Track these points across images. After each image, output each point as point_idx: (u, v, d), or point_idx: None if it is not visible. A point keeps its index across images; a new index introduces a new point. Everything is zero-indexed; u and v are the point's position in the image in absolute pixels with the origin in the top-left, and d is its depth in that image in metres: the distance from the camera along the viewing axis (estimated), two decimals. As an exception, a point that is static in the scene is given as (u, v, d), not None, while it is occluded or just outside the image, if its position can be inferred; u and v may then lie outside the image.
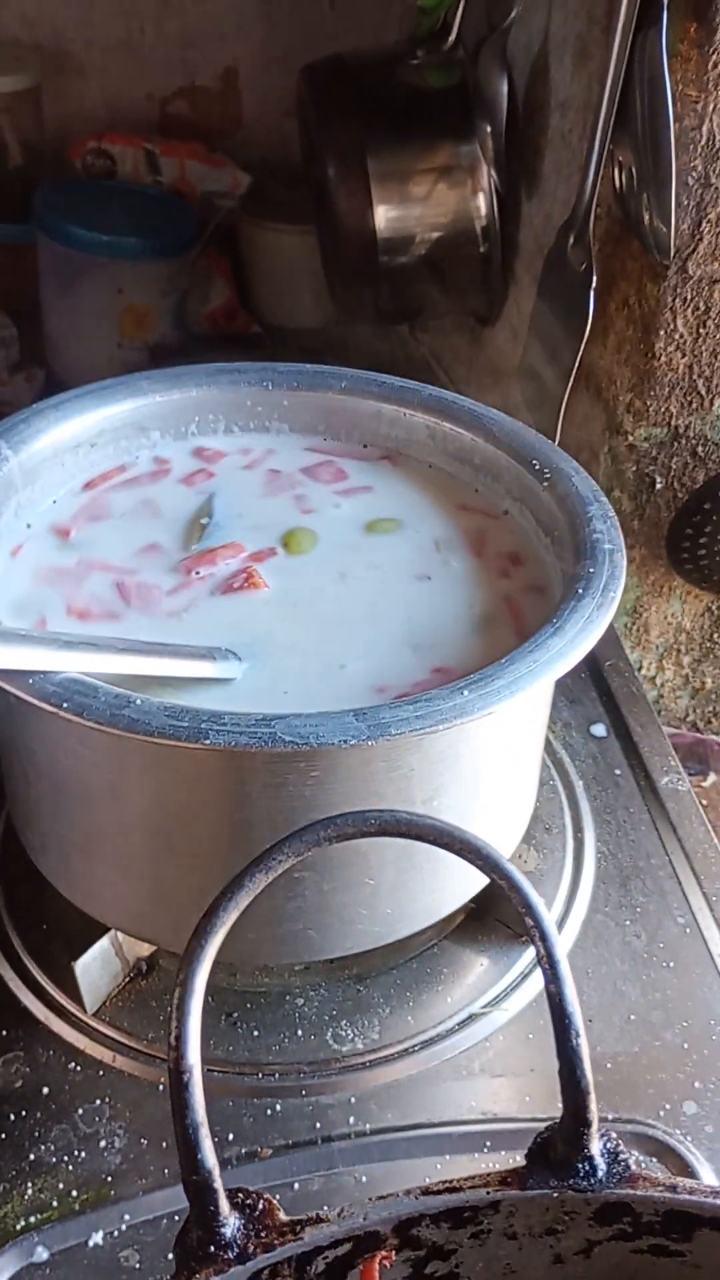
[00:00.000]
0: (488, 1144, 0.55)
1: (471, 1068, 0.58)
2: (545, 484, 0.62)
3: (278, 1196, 0.51)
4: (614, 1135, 0.37)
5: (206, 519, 0.63)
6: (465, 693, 0.48)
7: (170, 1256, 0.50)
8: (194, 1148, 0.35)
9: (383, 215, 1.01)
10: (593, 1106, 0.37)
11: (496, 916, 0.64)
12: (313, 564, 0.61)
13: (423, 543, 0.63)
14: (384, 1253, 0.36)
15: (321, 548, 0.62)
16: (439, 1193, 0.36)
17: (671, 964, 0.63)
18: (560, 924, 0.64)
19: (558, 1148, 0.37)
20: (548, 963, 0.38)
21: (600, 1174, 0.36)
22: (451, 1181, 0.36)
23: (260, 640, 0.56)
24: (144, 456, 0.67)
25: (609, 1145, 0.37)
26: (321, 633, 0.57)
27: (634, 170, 0.78)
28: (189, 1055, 0.36)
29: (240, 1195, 0.36)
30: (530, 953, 0.63)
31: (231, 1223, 0.35)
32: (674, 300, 0.78)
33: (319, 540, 0.62)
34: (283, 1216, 0.36)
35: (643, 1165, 0.53)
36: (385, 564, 0.61)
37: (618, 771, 0.74)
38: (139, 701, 0.47)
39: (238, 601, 0.58)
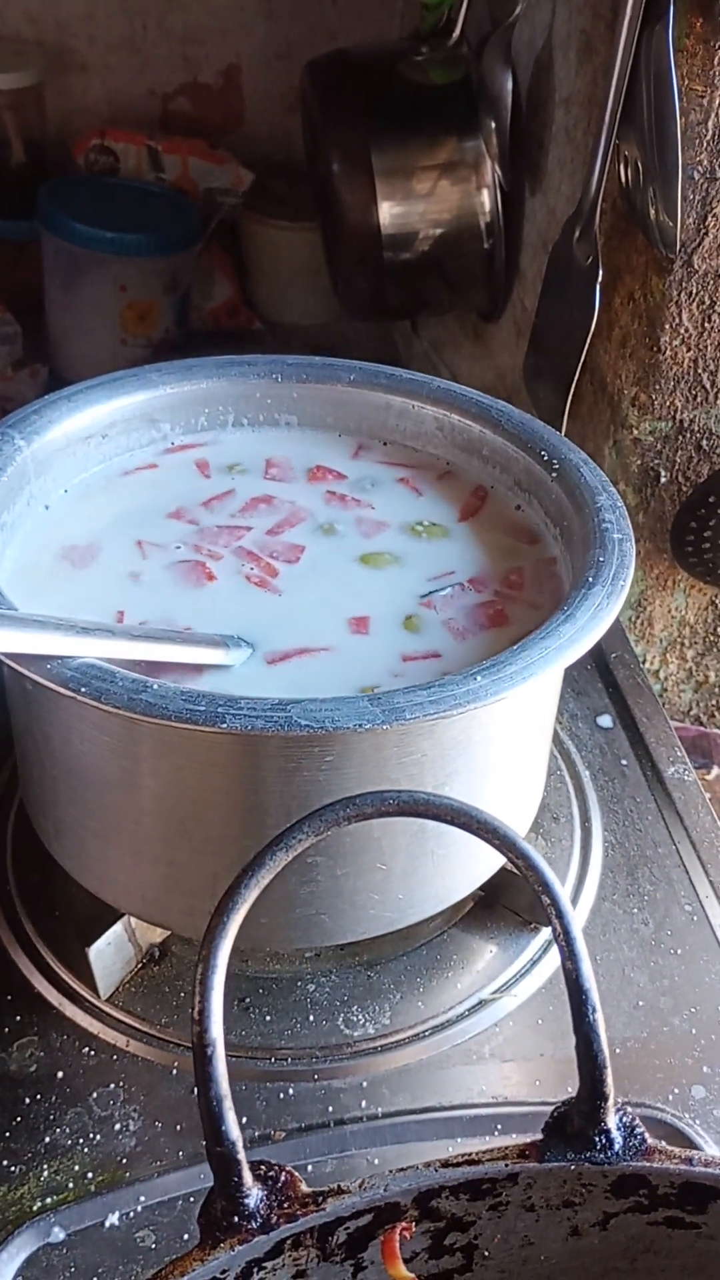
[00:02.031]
0: (498, 1127, 0.55)
1: (482, 1052, 0.58)
2: (554, 475, 0.62)
3: (292, 1178, 0.52)
4: (629, 1110, 0.38)
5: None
6: (478, 678, 0.49)
7: (186, 1236, 0.51)
8: (218, 1120, 0.36)
9: (387, 211, 1.01)
10: (609, 1080, 0.37)
11: (505, 904, 0.64)
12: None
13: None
14: (404, 1224, 0.37)
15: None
16: (458, 1165, 0.37)
17: (679, 951, 0.63)
18: (568, 911, 0.65)
19: (574, 1121, 0.37)
20: (564, 939, 0.38)
21: (617, 1147, 0.37)
22: (470, 1154, 0.37)
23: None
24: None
25: (625, 1119, 0.38)
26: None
27: (639, 164, 0.79)
28: (212, 1029, 0.36)
29: (263, 1167, 0.36)
30: (538, 939, 0.64)
31: (255, 1194, 0.35)
32: (679, 294, 0.79)
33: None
34: (305, 1188, 0.36)
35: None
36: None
37: (624, 762, 0.74)
38: (155, 686, 0.47)
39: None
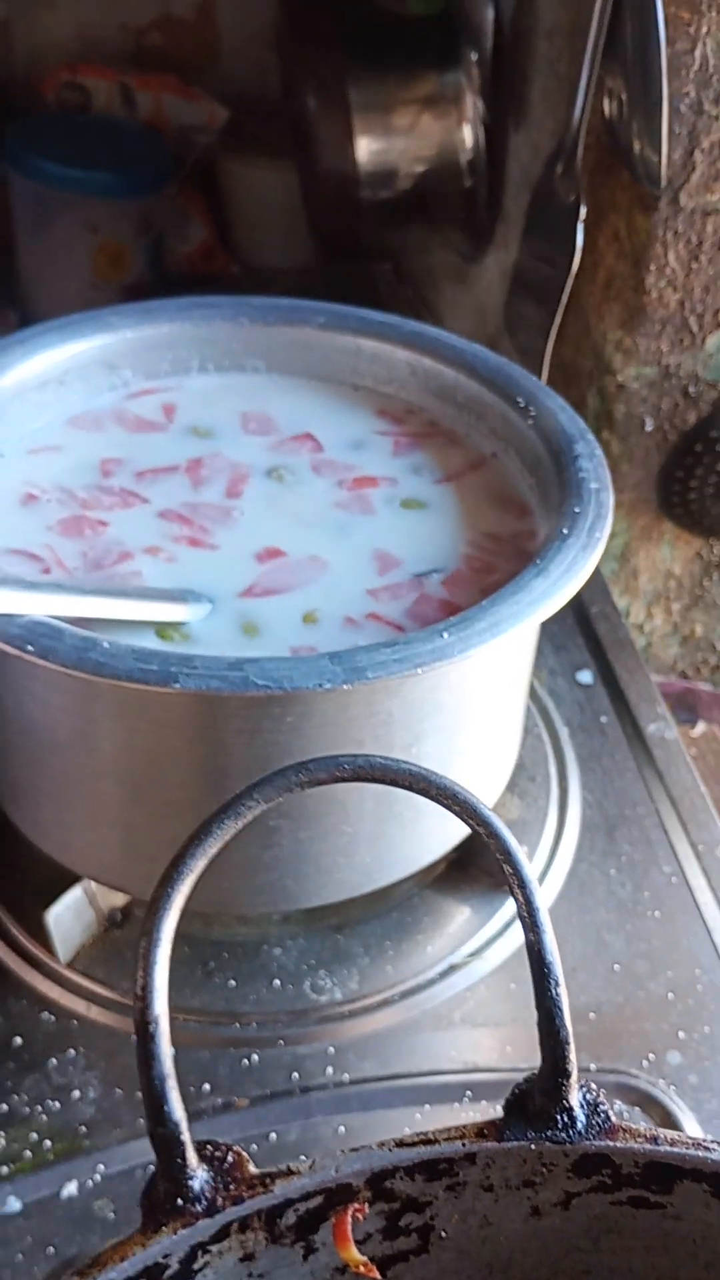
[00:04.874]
0: (468, 1094, 0.54)
1: (452, 1018, 0.57)
2: (530, 421, 0.60)
3: (254, 1147, 0.51)
4: (594, 1086, 0.36)
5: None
6: (445, 635, 0.47)
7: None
8: (160, 1099, 0.34)
9: (365, 148, 0.97)
10: (572, 1057, 0.36)
11: (479, 866, 0.63)
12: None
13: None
14: (357, 1205, 0.35)
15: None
16: (413, 1145, 0.35)
17: (657, 913, 0.62)
18: (544, 873, 0.63)
19: (535, 1099, 0.36)
20: (526, 910, 0.37)
21: (579, 1125, 0.35)
22: (426, 1133, 0.35)
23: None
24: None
25: (589, 1096, 0.36)
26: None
27: (624, 97, 0.75)
28: (155, 1005, 0.35)
29: (209, 1148, 0.35)
30: (512, 903, 0.62)
31: (200, 1175, 0.34)
32: (665, 233, 0.76)
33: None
34: (253, 1169, 0.35)
35: (624, 1116, 0.53)
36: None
37: (604, 719, 0.72)
38: (106, 644, 0.45)
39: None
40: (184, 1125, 0.34)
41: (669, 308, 0.78)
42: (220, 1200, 0.34)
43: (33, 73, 1.29)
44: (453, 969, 0.59)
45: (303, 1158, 0.35)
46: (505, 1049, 0.56)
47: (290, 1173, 0.35)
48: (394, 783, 0.38)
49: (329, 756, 0.38)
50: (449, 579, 0.55)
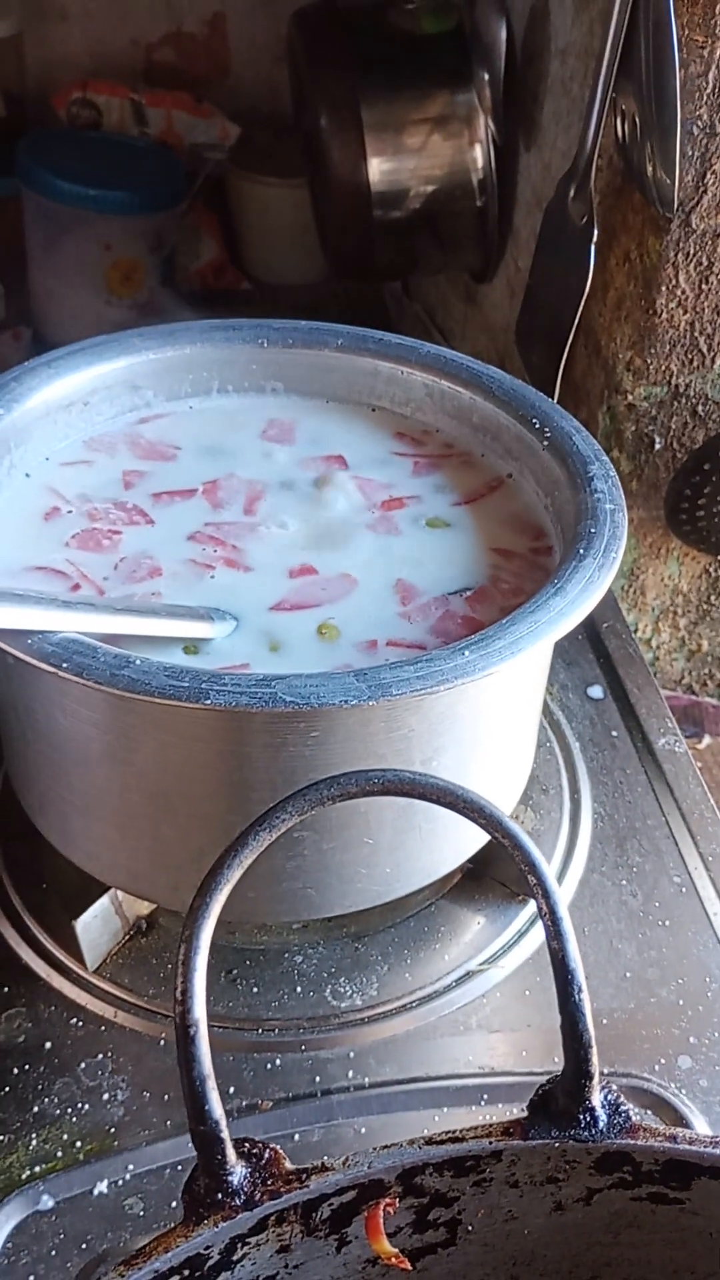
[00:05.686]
0: (484, 1097, 0.56)
1: (469, 1023, 0.59)
2: (545, 443, 0.61)
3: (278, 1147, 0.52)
4: (614, 1087, 0.38)
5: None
6: (466, 653, 0.48)
7: (174, 1204, 0.51)
8: (201, 1099, 0.35)
9: (376, 167, 0.99)
10: (594, 1059, 0.37)
11: (493, 875, 0.64)
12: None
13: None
14: (388, 1200, 0.37)
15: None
16: (442, 1142, 0.37)
17: (667, 922, 0.63)
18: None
19: (559, 1099, 0.37)
20: (550, 919, 0.38)
21: (601, 1124, 0.37)
22: (455, 1131, 0.37)
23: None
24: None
25: (610, 1097, 0.38)
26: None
27: (637, 119, 0.77)
28: (195, 1010, 0.36)
29: (246, 1145, 0.36)
30: (526, 911, 0.64)
31: (238, 1171, 0.35)
32: (676, 255, 0.77)
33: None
34: (288, 1165, 0.36)
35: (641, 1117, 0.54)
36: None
37: (615, 733, 0.74)
38: (138, 662, 0.47)
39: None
40: (223, 1123, 0.36)
41: (679, 329, 0.80)
42: (258, 1194, 0.35)
43: (44, 88, 1.31)
44: (469, 976, 0.60)
45: (325, 1158, 0.37)
46: (521, 1053, 0.57)
47: (325, 1168, 0.36)
48: (422, 796, 0.40)
49: (359, 771, 0.40)
50: (473, 597, 0.57)
